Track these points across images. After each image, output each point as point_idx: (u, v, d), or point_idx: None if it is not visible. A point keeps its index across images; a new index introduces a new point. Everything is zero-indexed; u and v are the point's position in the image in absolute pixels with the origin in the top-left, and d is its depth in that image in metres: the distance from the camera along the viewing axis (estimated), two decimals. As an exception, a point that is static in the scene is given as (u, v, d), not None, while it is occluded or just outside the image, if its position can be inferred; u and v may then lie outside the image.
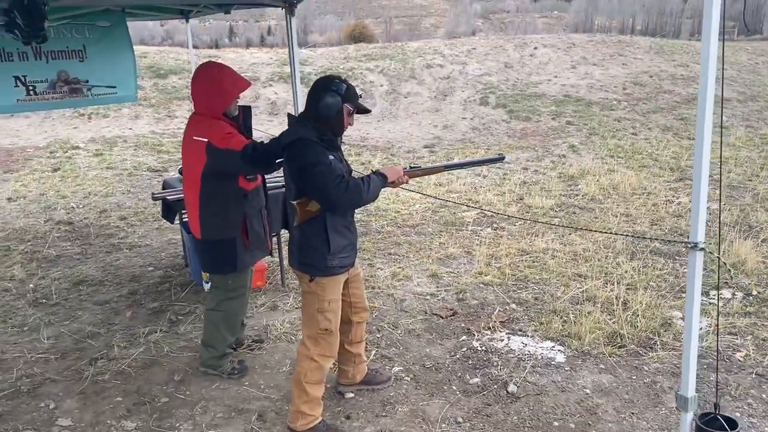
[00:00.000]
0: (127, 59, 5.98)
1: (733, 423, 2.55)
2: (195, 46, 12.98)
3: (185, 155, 3.39)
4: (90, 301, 4.81)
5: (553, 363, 3.75)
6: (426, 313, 4.48)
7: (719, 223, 5.48)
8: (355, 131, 12.41)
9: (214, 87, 3.25)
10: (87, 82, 5.78)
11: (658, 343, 3.93)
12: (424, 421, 3.19)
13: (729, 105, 13.75)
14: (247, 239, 3.40)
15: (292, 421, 3.04)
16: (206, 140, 3.15)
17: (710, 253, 4.44)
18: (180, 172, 4.04)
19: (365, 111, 2.95)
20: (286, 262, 4.03)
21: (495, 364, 3.75)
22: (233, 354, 3.77)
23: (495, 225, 6.51)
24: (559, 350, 3.90)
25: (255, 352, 3.94)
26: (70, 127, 12.62)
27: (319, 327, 2.95)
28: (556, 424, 3.17)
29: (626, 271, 5.05)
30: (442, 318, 4.39)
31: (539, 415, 3.23)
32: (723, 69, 2.26)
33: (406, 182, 3.00)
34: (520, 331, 4.18)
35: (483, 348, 3.95)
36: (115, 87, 5.99)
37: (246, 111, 3.47)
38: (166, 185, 5.29)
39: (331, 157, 2.76)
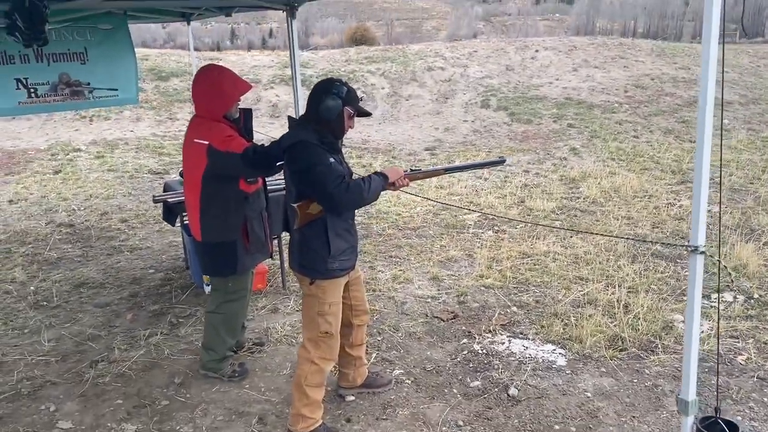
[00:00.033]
0: (128, 62, 5.99)
1: (734, 427, 2.54)
2: (196, 49, 13.01)
3: (186, 158, 3.39)
4: (91, 304, 4.81)
5: (554, 366, 3.74)
6: (427, 316, 4.48)
7: (719, 226, 5.47)
8: (357, 133, 12.41)
9: (215, 90, 3.26)
10: (88, 84, 5.79)
11: (660, 346, 3.93)
12: (425, 425, 3.18)
13: (731, 108, 13.74)
14: (247, 242, 3.40)
15: (292, 424, 3.03)
16: (207, 143, 3.15)
17: (711, 256, 4.45)
18: (181, 174, 4.04)
19: (366, 114, 2.96)
20: (286, 264, 4.03)
21: (496, 367, 3.74)
22: (234, 357, 3.77)
23: (496, 228, 6.51)
24: (560, 353, 3.89)
25: (255, 355, 3.94)
26: (72, 129, 12.64)
27: (319, 330, 2.94)
28: (557, 427, 3.16)
29: (627, 274, 5.04)
30: (443, 321, 4.38)
31: (540, 418, 3.23)
32: (723, 72, 2.25)
33: (407, 185, 3.00)
34: (521, 334, 4.17)
35: (484, 351, 3.94)
36: (116, 89, 6.00)
37: (247, 114, 3.47)
38: (167, 188, 5.29)
39: (332, 160, 2.76)
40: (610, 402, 3.36)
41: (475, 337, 4.12)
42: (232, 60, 17.29)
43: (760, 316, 4.34)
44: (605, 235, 5.94)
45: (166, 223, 5.21)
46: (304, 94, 3.87)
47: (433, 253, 5.75)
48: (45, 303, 4.83)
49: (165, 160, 10.46)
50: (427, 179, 8.07)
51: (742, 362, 3.74)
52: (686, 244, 2.30)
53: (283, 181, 3.08)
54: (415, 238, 6.24)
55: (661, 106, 13.98)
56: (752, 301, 4.58)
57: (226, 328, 3.58)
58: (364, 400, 3.41)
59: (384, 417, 3.25)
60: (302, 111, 2.99)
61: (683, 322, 4.14)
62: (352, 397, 3.42)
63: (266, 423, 3.22)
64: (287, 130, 2.93)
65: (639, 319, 4.23)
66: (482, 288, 4.95)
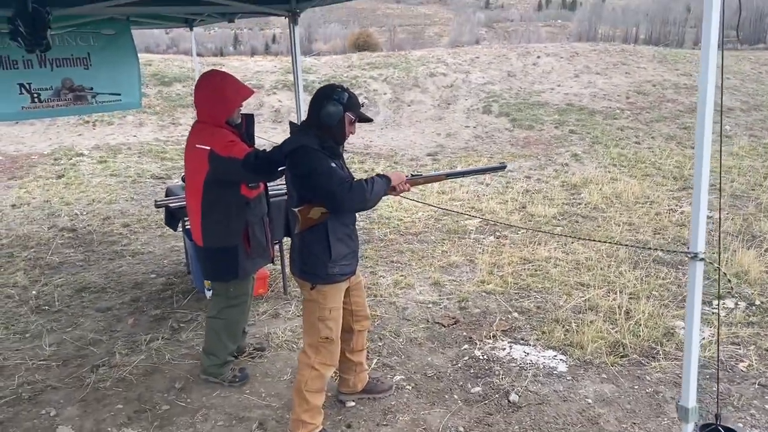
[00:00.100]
0: (131, 67, 6.02)
1: (734, 434, 2.54)
2: (199, 54, 13.05)
3: (188, 163, 3.40)
4: (92, 308, 4.81)
5: (555, 372, 3.73)
6: (428, 321, 4.48)
7: (719, 232, 5.46)
8: (359, 139, 12.43)
9: (217, 95, 3.27)
10: (91, 89, 5.82)
11: (661, 352, 3.92)
12: (426, 431, 3.18)
13: (732, 114, 13.74)
14: (248, 247, 3.41)
15: (292, 430, 3.03)
16: (209, 148, 3.17)
17: (710, 263, 4.45)
18: (183, 179, 4.05)
19: (367, 120, 2.97)
20: (288, 269, 4.03)
21: (497, 373, 3.74)
22: (234, 362, 3.76)
23: (497, 233, 6.51)
24: (561, 359, 3.88)
25: (256, 360, 3.94)
26: (75, 134, 12.67)
27: (320, 335, 2.95)
28: (557, 434, 3.15)
29: (629, 281, 5.04)
30: (444, 326, 4.38)
31: (541, 424, 3.22)
32: (723, 77, 2.26)
33: (408, 190, 3.01)
34: (522, 340, 4.17)
35: (485, 357, 3.94)
36: (119, 94, 6.02)
37: (249, 119, 3.48)
38: (169, 192, 5.31)
39: (333, 164, 2.77)
40: (611, 408, 3.35)
41: (476, 343, 4.12)
42: (235, 65, 17.34)
43: (761, 322, 4.33)
44: (606, 242, 5.93)
45: (168, 227, 5.22)
46: (306, 100, 3.88)
47: (434, 259, 5.75)
48: (46, 307, 4.84)
49: (167, 165, 10.49)
50: (429, 184, 8.10)
51: (744, 369, 3.73)
52: (686, 251, 2.30)
53: (285, 186, 3.09)
54: (416, 243, 6.25)
55: (663, 113, 13.99)
56: (753, 307, 4.57)
57: (227, 333, 3.58)
58: (365, 405, 3.41)
59: (384, 423, 3.25)
60: (304, 116, 3.00)
61: (684, 328, 4.14)
62: (353, 403, 3.41)
63: (267, 428, 3.22)
64: (289, 136, 2.94)
65: (640, 325, 4.22)
66: (483, 294, 4.95)
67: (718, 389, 2.95)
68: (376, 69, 17.06)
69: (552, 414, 3.31)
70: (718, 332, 4.02)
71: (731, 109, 14.07)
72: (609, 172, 9.38)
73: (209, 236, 3.37)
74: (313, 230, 2.83)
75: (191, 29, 7.24)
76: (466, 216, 7.06)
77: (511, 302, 4.77)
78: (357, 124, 2.94)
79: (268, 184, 3.71)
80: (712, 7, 2.08)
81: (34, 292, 5.16)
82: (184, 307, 4.78)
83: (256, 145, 3.44)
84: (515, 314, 4.56)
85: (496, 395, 3.49)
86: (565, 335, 4.15)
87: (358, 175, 2.88)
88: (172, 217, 4.83)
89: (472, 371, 3.77)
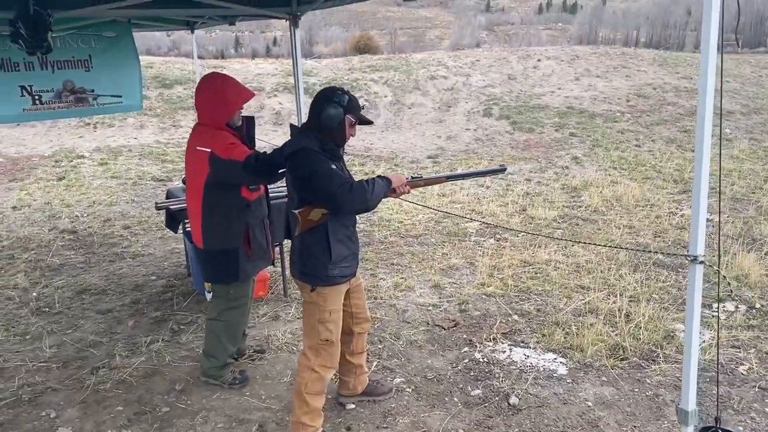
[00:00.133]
0: (132, 69, 6.04)
1: (735, 437, 2.54)
2: (201, 57, 13.08)
3: (188, 165, 3.40)
4: (93, 310, 4.82)
5: (555, 375, 3.73)
6: (428, 324, 4.48)
7: (719, 235, 5.47)
8: (359, 141, 12.45)
9: (218, 97, 3.28)
10: (93, 91, 5.83)
11: (661, 355, 3.92)
12: (425, 433, 3.18)
13: (732, 117, 13.75)
14: (249, 249, 3.41)
15: (292, 432, 3.03)
16: (209, 150, 3.17)
17: (710, 266, 4.45)
18: (183, 181, 4.06)
19: (367, 122, 2.97)
20: (288, 272, 4.04)
21: (497, 375, 3.74)
22: (234, 364, 3.77)
23: (498, 236, 6.51)
24: (561, 362, 3.88)
25: (256, 362, 3.94)
26: (76, 136, 12.70)
27: (320, 337, 2.95)
28: (557, 436, 3.15)
29: (629, 284, 5.04)
30: (444, 329, 4.38)
31: (541, 427, 3.22)
32: (722, 81, 2.27)
33: (408, 192, 3.01)
34: (522, 342, 4.17)
35: (485, 359, 3.93)
36: (120, 96, 6.04)
37: (249, 121, 3.49)
38: (169, 195, 5.31)
39: (333, 166, 2.77)
40: (611, 411, 3.35)
41: (476, 346, 4.12)
42: (236, 68, 17.37)
43: (761, 326, 4.33)
44: (606, 246, 5.93)
45: (168, 229, 5.23)
46: (306, 102, 3.89)
47: (434, 261, 5.75)
48: (47, 309, 4.84)
49: (168, 167, 10.50)
50: (429, 186, 8.10)
51: (744, 372, 3.73)
52: (685, 254, 2.30)
53: (285, 188, 3.09)
54: (416, 245, 6.25)
55: (663, 116, 14.00)
56: (754, 310, 4.57)
57: (228, 335, 3.59)
58: (365, 408, 3.40)
59: (384, 425, 3.25)
60: (305, 119, 3.00)
61: (684, 331, 4.13)
62: (353, 405, 3.41)
63: (266, 430, 3.22)
64: (289, 138, 2.94)
65: (640, 328, 4.22)
66: (483, 296, 4.95)
67: (718, 392, 2.96)
68: (376, 72, 17.08)
69: (552, 417, 3.31)
70: (718, 335, 4.02)
71: (732, 112, 14.08)
72: (609, 175, 9.39)
73: (210, 238, 3.37)
74: (313, 232, 2.83)
75: (192, 32, 7.26)
76: (467, 219, 7.06)
77: (511, 305, 4.77)
78: (357, 127, 2.94)
79: (269, 187, 3.71)
80: (712, 9, 2.08)
81: (34, 293, 5.16)
82: (185, 309, 4.79)
83: (256, 148, 3.45)
84: (515, 317, 4.56)
85: (496, 398, 3.49)
86: (565, 338, 4.15)
87: (359, 178, 2.88)
88: (173, 220, 4.83)
89: (472, 374, 3.77)
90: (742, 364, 3.81)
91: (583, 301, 4.72)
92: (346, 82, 15.85)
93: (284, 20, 5.30)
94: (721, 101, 2.35)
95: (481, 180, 8.94)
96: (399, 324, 4.47)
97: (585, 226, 6.80)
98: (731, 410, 3.33)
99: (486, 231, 6.69)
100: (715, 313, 4.38)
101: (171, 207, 4.76)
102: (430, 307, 4.76)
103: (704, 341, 4.01)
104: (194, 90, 3.41)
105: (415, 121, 14.38)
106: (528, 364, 3.87)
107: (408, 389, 3.60)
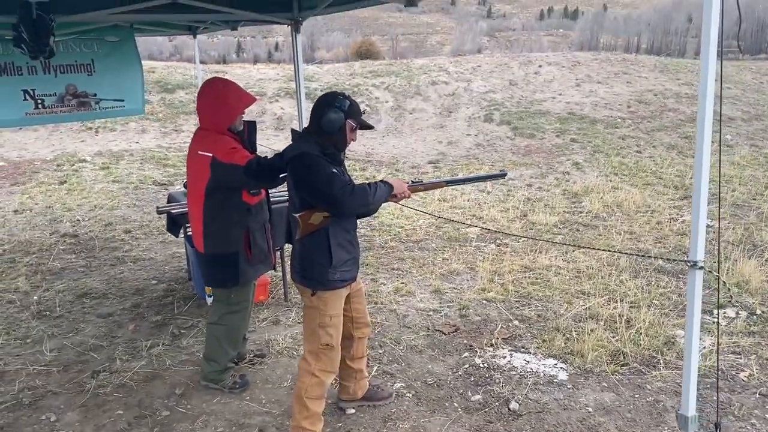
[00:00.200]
0: (134, 73, 6.06)
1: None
2: (203, 62, 13.11)
3: (190, 169, 3.41)
4: (93, 314, 4.82)
5: (555, 381, 3.73)
6: (428, 329, 4.47)
7: (718, 241, 5.46)
8: (360, 146, 12.47)
9: (220, 102, 3.29)
10: (95, 95, 5.86)
11: (661, 361, 3.91)
12: (425, 438, 3.18)
13: (733, 124, 13.76)
14: (250, 253, 3.42)
15: (292, 437, 3.03)
16: (211, 155, 3.18)
17: (710, 271, 4.45)
18: (185, 186, 4.07)
19: (368, 127, 2.98)
20: (289, 276, 4.04)
21: (497, 381, 3.73)
22: (235, 368, 3.77)
23: (498, 241, 6.51)
24: (561, 368, 3.88)
25: (257, 366, 3.94)
26: (78, 140, 12.72)
27: (320, 342, 2.95)
28: (557, 442, 3.15)
29: (630, 289, 5.03)
30: (445, 334, 4.38)
31: (541, 433, 3.21)
32: (722, 87, 2.28)
33: (409, 196, 3.02)
34: (523, 348, 4.17)
35: (485, 365, 3.93)
36: (122, 100, 6.06)
37: (251, 126, 3.50)
38: (171, 199, 5.32)
39: (334, 170, 2.78)
40: (611, 417, 3.35)
41: (476, 351, 4.11)
42: (238, 73, 17.42)
43: (762, 332, 4.32)
44: (606, 251, 5.93)
45: (169, 234, 5.24)
46: (308, 107, 3.90)
47: (435, 266, 5.76)
48: (48, 313, 4.85)
49: (170, 171, 10.52)
50: (430, 191, 8.11)
51: (744, 378, 3.72)
52: (685, 259, 2.30)
53: (287, 192, 3.10)
54: (417, 250, 6.25)
55: (664, 122, 14.01)
56: (755, 317, 4.57)
57: (228, 340, 3.59)
58: (365, 413, 3.40)
59: (384, 430, 3.25)
60: (306, 124, 3.01)
61: (685, 337, 4.13)
62: (353, 410, 3.41)
63: (266, 435, 3.22)
64: (291, 143, 2.95)
65: (641, 334, 4.22)
66: (484, 301, 4.95)
67: (718, 398, 2.95)
68: (378, 77, 17.12)
69: (552, 422, 3.31)
70: (718, 341, 4.01)
71: (732, 118, 14.09)
72: (610, 180, 9.39)
73: (211, 242, 3.38)
74: (314, 236, 2.84)
75: (194, 37, 7.29)
76: (467, 224, 7.07)
77: (511, 310, 4.77)
78: (358, 132, 2.95)
79: (270, 191, 3.72)
80: (711, 16, 2.09)
81: (35, 297, 5.17)
82: (185, 313, 4.79)
83: (257, 152, 3.46)
84: (516, 322, 4.56)
85: (497, 403, 3.49)
86: (565, 343, 4.15)
87: (359, 182, 2.89)
88: (174, 224, 4.84)
89: (472, 379, 3.76)
90: (743, 371, 3.81)
91: (584, 307, 4.72)
92: (348, 87, 15.88)
93: (286, 25, 5.32)
94: (720, 107, 2.37)
95: (482, 185, 8.95)
96: (399, 329, 4.47)
97: (586, 232, 6.80)
98: (732, 417, 3.33)
99: (487, 236, 6.69)
100: (716, 319, 4.38)
101: (172, 211, 4.76)
102: (431, 312, 4.76)
103: (705, 347, 4.01)
104: (196, 95, 3.42)
105: (416, 126, 14.41)
106: (528, 370, 3.86)
107: (408, 394, 3.60)
